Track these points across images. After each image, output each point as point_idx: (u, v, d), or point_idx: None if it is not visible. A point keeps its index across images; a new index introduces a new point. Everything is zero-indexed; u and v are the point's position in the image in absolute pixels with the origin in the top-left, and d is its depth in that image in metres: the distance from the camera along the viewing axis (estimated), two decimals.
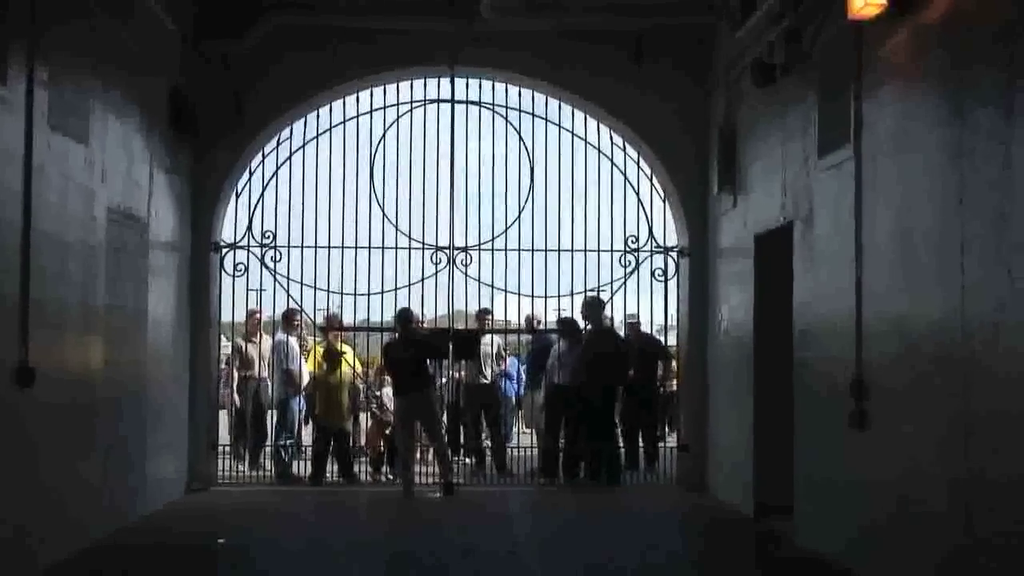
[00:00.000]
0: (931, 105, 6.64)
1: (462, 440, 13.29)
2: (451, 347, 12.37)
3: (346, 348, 13.16)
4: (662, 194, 12.42)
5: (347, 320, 13.06)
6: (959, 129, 6.23)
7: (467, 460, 13.14)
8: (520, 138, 12.39)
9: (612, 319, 13.37)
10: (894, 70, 7.16)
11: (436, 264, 12.21)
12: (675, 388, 13.61)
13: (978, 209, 6.00)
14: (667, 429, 15.08)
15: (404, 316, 11.96)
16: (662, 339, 13.85)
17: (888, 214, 7.22)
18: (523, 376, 13.99)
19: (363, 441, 13.36)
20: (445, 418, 12.68)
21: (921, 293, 6.70)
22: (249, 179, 12.15)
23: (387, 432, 12.80)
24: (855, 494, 7.64)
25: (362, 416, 13.28)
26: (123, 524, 9.23)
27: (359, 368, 13.22)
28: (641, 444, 13.30)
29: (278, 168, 12.16)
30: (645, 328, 13.80)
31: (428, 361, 11.96)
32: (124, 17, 9.25)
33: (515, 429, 14.79)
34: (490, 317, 13.26)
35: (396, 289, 12.19)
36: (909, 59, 6.98)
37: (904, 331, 6.93)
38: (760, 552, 9.13)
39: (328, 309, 13.17)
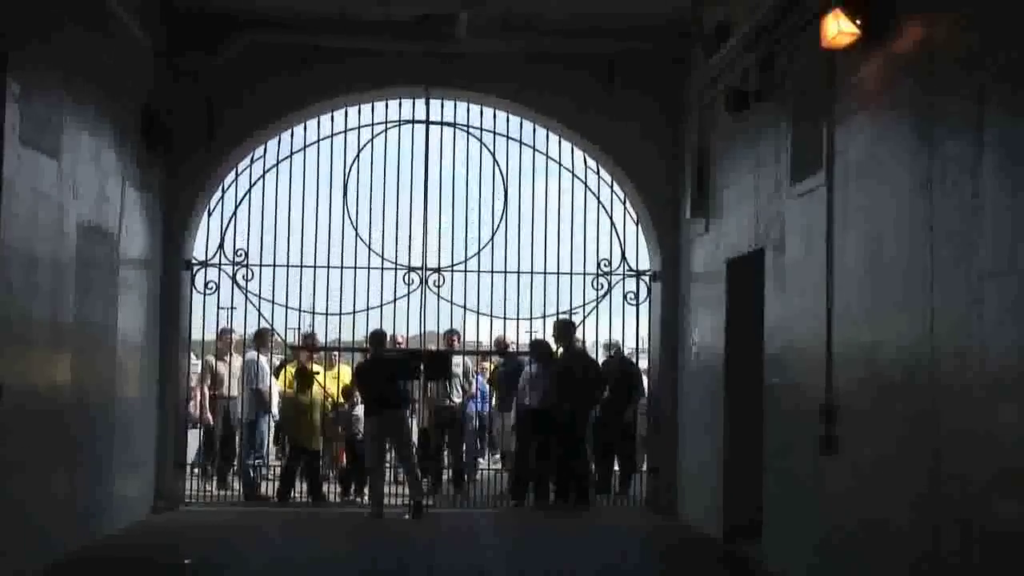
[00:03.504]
0: (902, 133, 6.70)
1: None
2: (422, 368, 12.34)
3: (317, 368, 13.13)
4: (635, 218, 12.46)
5: (318, 340, 13.03)
6: (929, 157, 6.29)
7: (425, 479, 13.01)
8: (494, 160, 12.42)
9: (583, 342, 13.38)
10: (866, 98, 7.23)
11: (408, 285, 12.20)
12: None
13: (947, 236, 6.06)
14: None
15: (378, 337, 11.93)
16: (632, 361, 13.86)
17: (859, 241, 7.27)
18: (487, 395, 13.95)
19: (325, 460, 13.32)
20: (416, 439, 12.65)
21: (891, 319, 6.75)
22: (222, 197, 12.11)
23: (355, 452, 12.75)
24: (824, 517, 7.66)
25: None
26: (90, 541, 9.14)
27: (331, 388, 13.16)
28: (616, 468, 13.30)
29: (251, 186, 12.13)
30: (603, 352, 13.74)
31: (401, 382, 11.93)
32: (97, 32, 9.22)
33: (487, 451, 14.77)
34: (457, 337, 13.24)
35: (368, 309, 12.17)
36: (881, 88, 7.05)
37: (873, 356, 6.97)
38: (728, 574, 9.13)
39: (299, 328, 13.13)
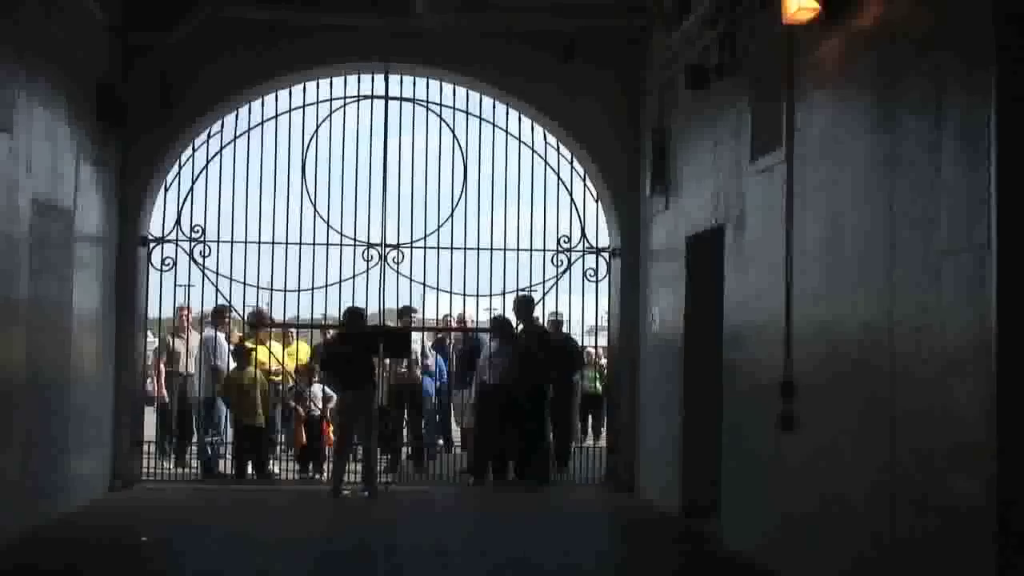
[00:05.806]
0: (861, 111, 6.73)
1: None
2: (382, 346, 12.28)
3: (273, 344, 13.04)
4: (595, 195, 12.45)
5: (276, 317, 12.92)
6: (889, 135, 6.31)
7: (385, 457, 12.97)
8: (454, 136, 12.36)
9: (543, 319, 13.35)
10: (826, 76, 7.25)
11: (368, 261, 12.14)
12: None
13: (906, 214, 6.09)
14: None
15: (356, 313, 11.83)
16: (591, 339, 13.87)
17: (818, 218, 7.30)
18: (444, 372, 13.91)
19: (283, 438, 13.26)
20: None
21: (850, 296, 6.79)
22: (179, 172, 11.96)
23: (313, 431, 12.71)
24: (781, 494, 7.72)
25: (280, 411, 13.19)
26: (44, 521, 9.04)
27: (289, 364, 13.08)
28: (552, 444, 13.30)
29: (208, 162, 11.99)
30: (565, 328, 13.72)
31: (372, 359, 11.86)
32: (51, 6, 9.06)
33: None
34: (413, 314, 13.18)
35: (327, 286, 12.09)
36: (841, 65, 7.07)
37: (832, 334, 7.02)
38: (685, 552, 9.17)
39: (257, 305, 13.01)
